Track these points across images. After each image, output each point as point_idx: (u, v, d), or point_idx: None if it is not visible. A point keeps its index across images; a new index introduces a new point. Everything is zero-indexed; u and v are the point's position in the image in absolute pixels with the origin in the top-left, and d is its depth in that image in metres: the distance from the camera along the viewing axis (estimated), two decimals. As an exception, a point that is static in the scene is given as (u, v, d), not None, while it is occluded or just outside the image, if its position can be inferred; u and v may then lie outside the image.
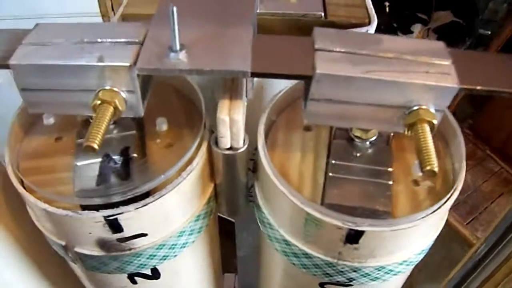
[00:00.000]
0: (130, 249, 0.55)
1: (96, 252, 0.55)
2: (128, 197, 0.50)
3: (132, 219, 0.51)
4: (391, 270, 0.54)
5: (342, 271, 0.54)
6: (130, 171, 0.53)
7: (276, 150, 0.57)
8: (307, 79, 0.45)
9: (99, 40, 0.47)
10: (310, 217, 0.49)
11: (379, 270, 0.54)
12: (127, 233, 0.53)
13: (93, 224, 0.51)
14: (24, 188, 0.52)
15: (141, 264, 0.58)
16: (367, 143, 0.54)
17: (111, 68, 0.45)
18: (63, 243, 0.56)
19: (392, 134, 0.55)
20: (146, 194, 0.51)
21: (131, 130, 0.55)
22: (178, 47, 0.44)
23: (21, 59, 0.46)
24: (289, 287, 0.68)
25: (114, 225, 0.51)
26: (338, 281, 0.57)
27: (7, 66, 0.46)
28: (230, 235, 0.75)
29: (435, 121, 0.45)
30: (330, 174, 0.53)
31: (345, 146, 0.55)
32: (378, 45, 0.47)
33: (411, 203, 0.52)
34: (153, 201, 0.50)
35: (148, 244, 0.55)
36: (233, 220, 0.66)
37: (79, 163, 0.53)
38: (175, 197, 0.53)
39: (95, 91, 0.47)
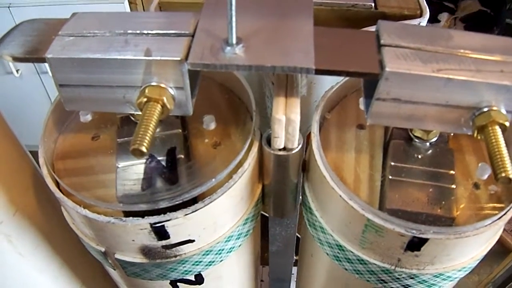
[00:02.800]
0: (175, 256, 0.52)
1: (138, 259, 0.52)
2: (176, 202, 0.46)
3: (180, 225, 0.47)
4: (449, 277, 0.51)
5: (398, 278, 0.51)
6: (177, 174, 0.49)
7: (328, 149, 0.53)
8: (374, 77, 0.41)
9: (144, 31, 0.43)
10: (371, 224, 0.46)
11: (437, 277, 0.51)
12: (173, 240, 0.49)
13: (137, 232, 0.47)
14: (59, 189, 0.49)
15: (186, 271, 0.55)
16: (427, 144, 0.51)
17: (159, 63, 0.41)
18: (103, 249, 0.52)
19: (452, 134, 0.52)
20: (193, 199, 0.47)
21: (174, 128, 0.51)
22: (234, 40, 0.41)
23: (59, 52, 0.42)
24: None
25: (161, 232, 0.47)
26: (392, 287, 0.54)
27: (43, 60, 0.42)
28: (264, 230, 0.72)
29: (507, 123, 0.42)
30: (390, 177, 0.49)
31: (404, 146, 0.51)
32: (447, 41, 0.43)
33: (472, 208, 0.49)
34: (203, 206, 0.47)
35: (195, 251, 0.52)
36: (267, 215, 0.63)
37: (120, 165, 0.49)
38: (226, 201, 0.49)
39: (140, 87, 0.43)
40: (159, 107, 0.42)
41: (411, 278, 0.51)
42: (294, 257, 1.05)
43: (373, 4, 0.67)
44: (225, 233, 0.53)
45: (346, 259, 0.53)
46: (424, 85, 0.41)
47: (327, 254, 0.55)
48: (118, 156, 0.50)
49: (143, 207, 0.46)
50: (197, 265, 0.54)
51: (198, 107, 0.51)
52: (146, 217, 0.46)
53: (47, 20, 0.46)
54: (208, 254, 0.54)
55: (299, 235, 0.85)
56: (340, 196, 0.47)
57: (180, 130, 0.52)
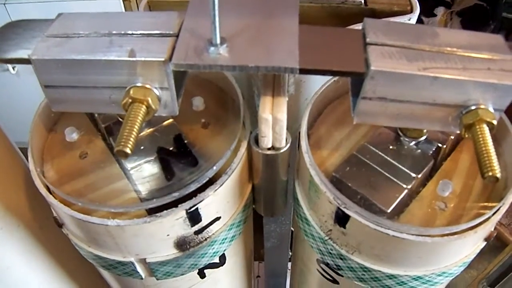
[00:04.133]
0: (205, 239, 0.53)
1: (172, 255, 0.53)
2: (204, 181, 0.48)
3: (210, 205, 0.50)
4: (377, 278, 0.52)
5: (331, 253, 0.53)
6: (195, 156, 0.52)
7: (321, 145, 0.55)
8: (360, 76, 0.41)
9: (129, 32, 0.43)
10: (312, 181, 0.49)
11: (365, 271, 0.52)
12: (204, 221, 0.51)
13: (173, 223, 0.48)
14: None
15: (214, 253, 0.56)
16: (412, 143, 0.51)
17: (143, 64, 0.41)
18: (132, 259, 0.53)
19: (444, 148, 0.52)
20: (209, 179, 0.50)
21: (166, 118, 0.54)
22: (218, 41, 0.40)
23: (43, 53, 0.42)
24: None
25: (194, 217, 0.49)
26: (328, 263, 0.56)
27: (28, 61, 0.42)
28: (259, 227, 0.73)
29: (494, 122, 0.42)
30: (354, 152, 0.51)
31: (388, 136, 0.52)
32: (433, 39, 0.43)
33: (426, 223, 0.49)
34: (227, 178, 0.49)
35: (221, 228, 0.54)
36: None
37: (130, 166, 0.51)
38: (241, 170, 0.51)
39: (125, 88, 0.43)
40: (144, 108, 0.42)
41: (341, 258, 0.53)
42: (289, 253, 1.06)
43: (363, 1, 0.67)
44: (242, 203, 0.56)
45: (299, 215, 0.56)
46: (410, 84, 0.41)
47: (295, 210, 0.58)
48: (123, 160, 0.52)
49: (176, 195, 0.47)
50: (223, 243, 0.56)
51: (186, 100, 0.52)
52: (180, 205, 0.47)
53: (33, 21, 0.46)
54: (231, 229, 0.56)
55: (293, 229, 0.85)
56: (303, 155, 0.50)
57: (172, 120, 0.54)
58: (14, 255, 0.65)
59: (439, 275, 0.51)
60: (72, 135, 0.55)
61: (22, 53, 0.43)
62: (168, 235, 0.50)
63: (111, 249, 0.53)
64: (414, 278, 0.51)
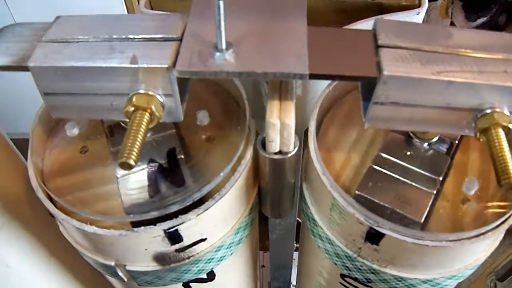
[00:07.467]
0: (188, 258, 0.51)
1: (151, 267, 0.51)
2: (187, 204, 0.46)
3: (192, 227, 0.47)
4: (412, 285, 0.50)
5: (360, 269, 0.51)
6: (183, 175, 0.49)
7: (329, 147, 0.53)
8: (372, 81, 0.39)
9: (130, 36, 0.41)
10: (336, 203, 0.47)
11: (399, 281, 0.50)
12: (186, 242, 0.49)
13: (151, 240, 0.47)
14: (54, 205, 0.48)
15: (199, 270, 0.54)
16: (425, 143, 0.50)
17: (146, 71, 0.39)
18: (112, 263, 0.51)
19: (456, 143, 0.51)
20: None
21: (168, 129, 0.51)
22: (224, 46, 0.39)
23: (41, 60, 0.40)
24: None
25: (174, 237, 0.47)
26: (356, 278, 0.54)
27: (26, 68, 0.41)
28: (264, 217, 0.73)
29: (511, 126, 0.40)
30: (372, 165, 0.49)
31: (400, 141, 0.50)
32: (446, 40, 0.41)
33: (450, 220, 0.48)
34: (214, 203, 0.47)
35: (207, 249, 0.52)
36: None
37: (120, 174, 0.48)
38: (233, 194, 0.49)
39: (127, 95, 0.41)
40: (147, 116, 0.40)
41: (372, 273, 0.51)
42: (295, 244, 1.05)
43: (370, -5, 0.65)
44: (234, 226, 0.53)
45: (318, 235, 0.54)
46: (424, 88, 0.39)
47: (308, 227, 0.56)
48: (116, 166, 0.49)
49: (154, 214, 0.45)
50: (210, 262, 0.54)
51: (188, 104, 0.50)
52: (158, 224, 0.45)
53: (30, 24, 0.44)
54: (219, 250, 0.54)
55: (299, 220, 0.84)
56: (316, 169, 0.48)
57: (174, 130, 0.51)
58: (15, 253, 0.64)
59: (470, 269, 0.51)
60: (72, 130, 0.54)
61: (20, 60, 0.41)
62: (146, 249, 0.49)
63: (93, 250, 0.52)
64: (448, 278, 0.50)
